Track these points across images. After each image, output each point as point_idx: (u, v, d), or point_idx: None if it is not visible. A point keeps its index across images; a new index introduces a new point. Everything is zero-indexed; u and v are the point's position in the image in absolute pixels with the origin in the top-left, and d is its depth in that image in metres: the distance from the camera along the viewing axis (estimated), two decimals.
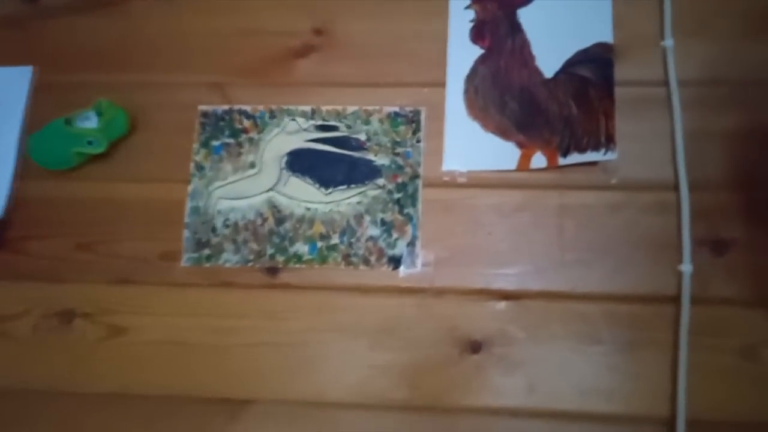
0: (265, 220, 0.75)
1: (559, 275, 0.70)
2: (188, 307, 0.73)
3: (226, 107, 0.79)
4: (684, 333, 0.66)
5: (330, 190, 0.75)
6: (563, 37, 0.77)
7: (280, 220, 0.74)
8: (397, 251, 0.72)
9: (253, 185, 0.76)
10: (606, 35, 0.77)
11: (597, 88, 0.75)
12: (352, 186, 0.75)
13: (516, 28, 0.78)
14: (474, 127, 0.76)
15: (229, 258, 0.74)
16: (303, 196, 0.75)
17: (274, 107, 0.78)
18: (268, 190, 0.75)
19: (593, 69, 0.76)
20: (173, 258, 0.74)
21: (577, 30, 0.77)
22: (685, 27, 0.76)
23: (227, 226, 0.75)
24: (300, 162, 0.76)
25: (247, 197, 0.75)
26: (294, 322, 0.72)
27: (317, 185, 0.75)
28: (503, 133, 0.75)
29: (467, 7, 0.80)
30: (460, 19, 0.80)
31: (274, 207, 0.75)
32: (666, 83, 0.74)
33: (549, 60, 0.77)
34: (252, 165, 0.77)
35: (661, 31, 0.76)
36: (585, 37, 0.77)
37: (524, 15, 0.79)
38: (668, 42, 0.75)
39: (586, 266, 0.70)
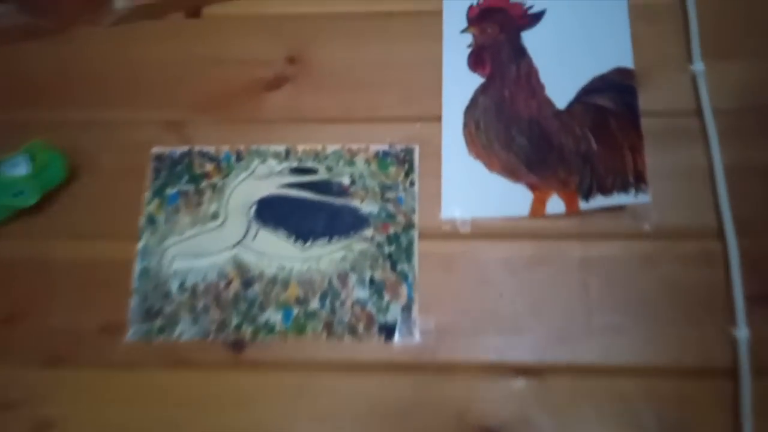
0: (229, 282, 0.63)
1: (587, 344, 0.59)
2: (134, 393, 0.60)
3: (184, 149, 0.68)
4: (747, 414, 0.54)
5: (308, 244, 0.64)
6: (576, 62, 0.68)
7: (247, 282, 0.63)
8: (390, 318, 0.61)
9: (215, 240, 0.64)
10: (625, 59, 0.67)
11: (619, 119, 0.65)
12: (335, 239, 0.64)
13: (520, 53, 0.69)
14: (477, 167, 0.65)
15: (185, 330, 0.62)
16: (275, 252, 0.63)
17: (241, 148, 0.67)
18: (233, 246, 0.64)
19: (613, 98, 0.66)
20: (117, 331, 0.62)
21: (591, 54, 0.68)
22: (715, 48, 0.66)
23: (184, 291, 0.63)
24: (272, 211, 0.65)
25: (208, 255, 0.64)
26: (265, 409, 0.59)
27: (292, 239, 0.64)
28: (511, 174, 0.65)
29: (464, 31, 0.70)
30: (456, 43, 0.70)
31: (240, 266, 0.63)
32: (698, 112, 0.65)
33: (561, 88, 0.67)
34: (214, 216, 0.65)
35: (688, 53, 0.67)
36: (601, 61, 0.67)
37: (529, 38, 0.69)
38: (698, 66, 0.66)
39: (618, 332, 0.59)
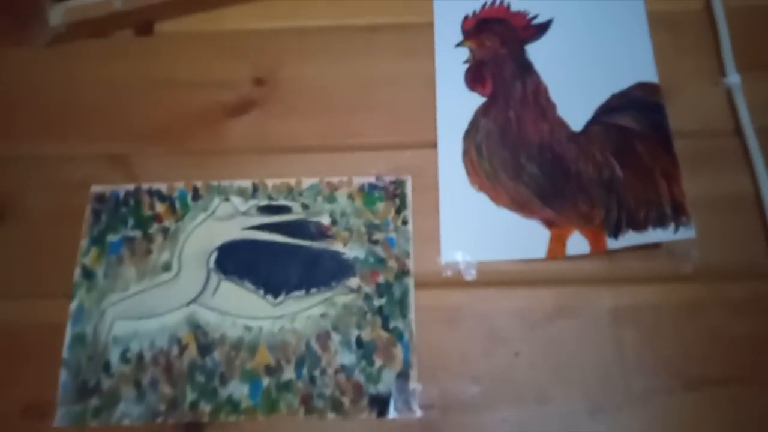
0: (183, 348, 0.52)
1: (626, 415, 0.48)
2: None
3: (130, 187, 0.57)
4: None
5: (280, 298, 0.53)
6: (590, 77, 0.59)
7: (205, 348, 0.52)
8: (382, 388, 0.50)
9: (166, 297, 0.53)
10: (648, 73, 0.59)
11: (646, 141, 0.56)
12: (313, 291, 0.53)
13: (526, 69, 0.60)
14: (481, 201, 0.56)
15: (128, 411, 0.50)
16: (240, 309, 0.53)
17: (198, 184, 0.57)
18: (188, 303, 0.53)
19: (637, 117, 0.57)
20: (43, 414, 0.50)
21: (608, 68, 0.59)
22: (750, 58, 0.58)
23: (126, 362, 0.51)
24: (236, 259, 0.54)
25: (157, 316, 0.53)
26: None
27: (261, 292, 0.53)
28: (522, 208, 0.55)
29: (459, 45, 0.62)
30: (451, 59, 0.61)
31: (197, 328, 0.52)
32: (738, 131, 0.56)
33: (575, 108, 0.58)
34: (166, 267, 0.54)
35: (720, 64, 0.59)
36: (620, 76, 0.59)
37: (535, 51, 0.61)
38: (732, 78, 0.57)
39: (662, 399, 0.49)
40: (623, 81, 0.59)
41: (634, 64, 0.59)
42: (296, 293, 0.53)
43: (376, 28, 0.63)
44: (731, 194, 0.54)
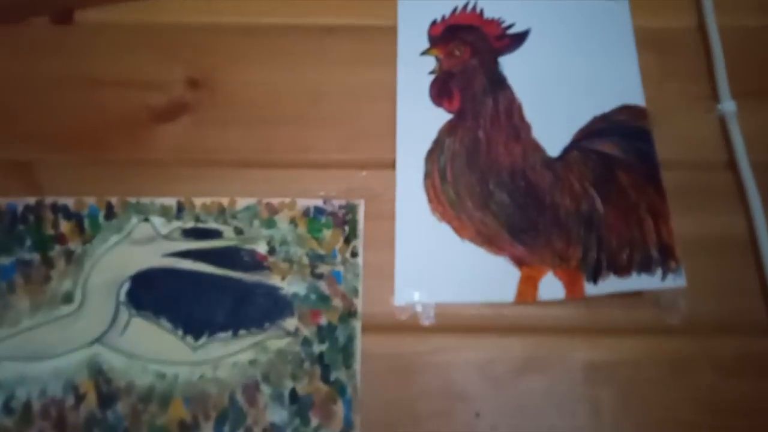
0: (81, 398, 0.44)
1: None
2: None
3: (30, 200, 0.49)
4: None
5: (202, 340, 0.46)
6: (570, 96, 0.54)
7: (108, 398, 0.44)
8: None
9: (65, 334, 0.45)
10: (634, 95, 0.54)
11: (631, 171, 0.50)
12: (242, 333, 0.46)
13: (498, 83, 0.54)
14: (443, 232, 0.49)
15: None
16: (153, 351, 0.45)
17: (113, 200, 0.50)
18: (91, 343, 0.45)
19: (621, 143, 0.52)
20: None
21: (590, 87, 0.54)
22: (745, 84, 0.54)
23: (9, 412, 0.44)
24: (152, 292, 0.47)
25: (51, 357, 0.45)
26: None
27: (180, 332, 0.46)
28: (489, 242, 0.49)
29: (424, 53, 0.56)
30: (415, 69, 0.55)
31: (99, 373, 0.45)
32: (732, 165, 0.51)
33: (552, 130, 0.52)
34: (67, 298, 0.47)
35: (713, 89, 0.54)
36: (603, 97, 0.54)
37: (509, 64, 0.55)
38: (727, 105, 0.53)
39: None
40: (606, 102, 0.53)
41: (619, 84, 0.54)
42: (221, 335, 0.46)
43: (332, 29, 0.57)
44: (724, 236, 0.49)
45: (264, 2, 0.57)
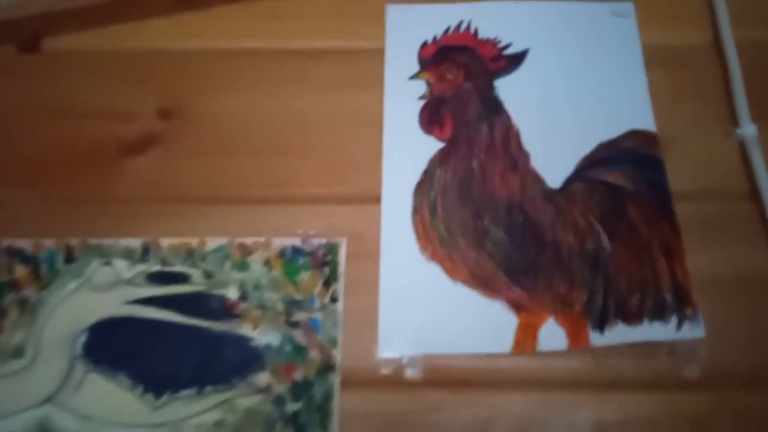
0: None
1: None
2: None
3: None
4: None
5: (163, 398, 0.42)
6: (573, 122, 0.49)
7: None
8: None
9: (13, 393, 0.41)
10: (643, 119, 0.49)
11: (642, 204, 0.46)
12: (208, 390, 0.42)
13: (494, 109, 0.50)
14: (433, 274, 0.45)
15: None
16: (109, 412, 0.41)
17: (73, 242, 0.46)
18: (42, 402, 0.41)
19: (630, 173, 0.47)
20: None
21: (594, 111, 0.50)
22: (764, 106, 0.49)
23: None
24: (111, 344, 0.43)
25: None
26: None
27: (139, 390, 0.42)
28: (484, 285, 0.45)
29: (414, 77, 0.52)
30: (404, 93, 0.51)
31: None
32: (753, 195, 0.47)
33: (553, 159, 0.48)
34: (18, 352, 0.43)
35: (732, 112, 0.50)
36: (609, 122, 0.49)
37: (506, 88, 0.51)
38: (747, 129, 0.48)
39: None
40: (613, 128, 0.49)
41: (627, 107, 0.50)
42: (185, 392, 0.42)
43: (315, 53, 0.53)
44: (747, 276, 0.44)
45: (242, 25, 0.54)
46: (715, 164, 0.48)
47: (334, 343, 0.43)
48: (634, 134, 0.49)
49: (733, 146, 0.48)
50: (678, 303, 0.42)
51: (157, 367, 0.42)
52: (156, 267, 0.46)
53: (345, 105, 0.51)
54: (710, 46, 0.52)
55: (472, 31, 0.53)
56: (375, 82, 0.52)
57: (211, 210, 0.47)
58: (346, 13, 0.54)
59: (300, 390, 0.42)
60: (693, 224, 0.45)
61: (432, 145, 0.49)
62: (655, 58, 0.52)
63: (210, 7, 0.54)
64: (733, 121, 0.49)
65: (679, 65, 0.52)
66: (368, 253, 0.46)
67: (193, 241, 0.46)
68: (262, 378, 0.42)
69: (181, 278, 0.45)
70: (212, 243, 0.46)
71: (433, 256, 0.46)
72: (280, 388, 0.42)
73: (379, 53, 0.53)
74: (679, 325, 0.42)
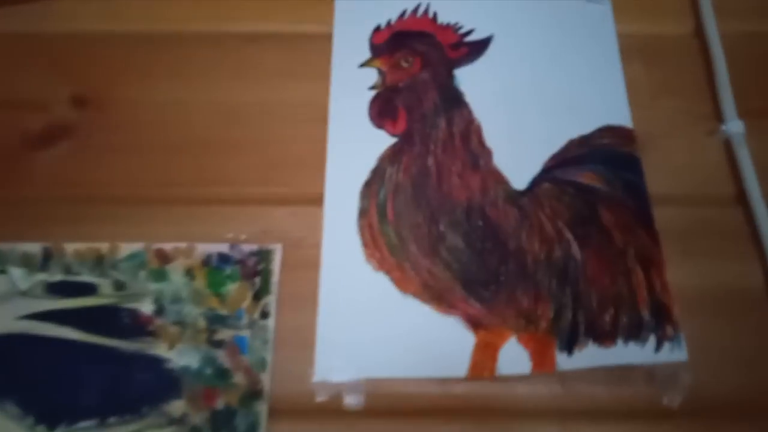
0: None
1: None
2: None
3: None
4: None
5: (58, 431, 0.36)
6: (540, 116, 0.45)
7: None
8: None
9: None
10: (618, 113, 0.45)
11: (616, 207, 0.41)
12: (111, 421, 0.36)
13: (453, 101, 0.45)
14: (380, 285, 0.40)
15: None
16: None
17: None
18: None
19: (603, 173, 0.43)
20: None
21: (564, 104, 0.45)
22: (754, 100, 0.45)
23: None
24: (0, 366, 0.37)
25: None
26: None
27: (30, 420, 0.36)
28: (438, 298, 0.39)
29: (365, 64, 0.47)
30: (352, 83, 0.46)
31: None
32: (740, 199, 0.42)
33: (518, 156, 0.43)
34: None
35: (716, 107, 0.45)
36: (580, 116, 0.45)
37: (467, 78, 0.46)
38: (733, 126, 0.44)
39: None
40: (585, 123, 0.44)
41: (601, 101, 0.45)
42: (85, 424, 0.36)
43: (255, 37, 0.48)
44: (734, 289, 0.39)
45: (172, 5, 0.48)
46: (698, 164, 0.43)
47: (262, 365, 0.37)
48: (608, 130, 0.44)
49: (717, 145, 0.44)
50: (656, 321, 0.37)
51: (53, 393, 0.36)
52: (58, 276, 0.40)
53: (286, 95, 0.45)
54: (692, 36, 0.48)
55: (430, 15, 0.48)
56: (320, 71, 0.46)
57: (126, 211, 0.42)
58: None
59: (221, 420, 0.36)
60: (673, 231, 0.40)
61: (383, 141, 0.44)
62: (632, 48, 0.47)
63: None
64: (718, 116, 0.45)
65: (658, 56, 0.47)
66: (307, 261, 0.40)
67: (103, 247, 0.40)
68: (177, 406, 0.36)
69: (87, 289, 0.39)
70: (125, 249, 0.40)
71: (381, 266, 0.40)
72: (198, 418, 0.36)
73: (325, 38, 0.47)
74: (658, 347, 0.37)
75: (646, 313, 0.37)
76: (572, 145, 0.44)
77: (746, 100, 0.44)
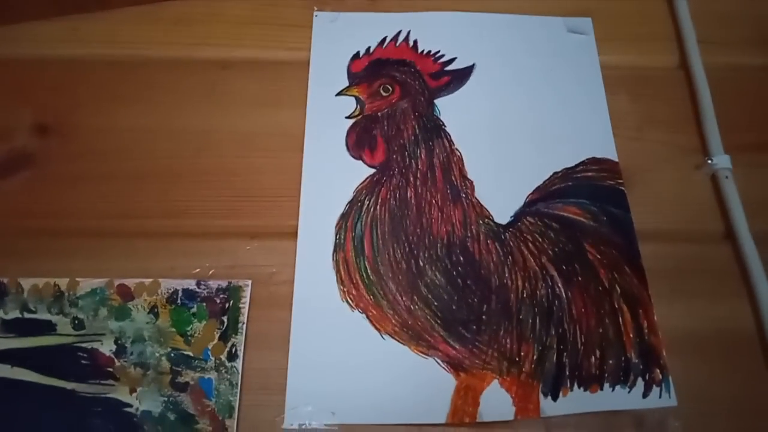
0: None
1: None
2: None
3: None
4: None
5: None
6: (523, 147, 0.44)
7: None
8: None
9: None
10: (603, 146, 0.44)
11: (602, 243, 0.40)
12: None
13: (434, 131, 0.44)
14: (356, 325, 0.38)
15: None
16: None
17: None
18: None
19: (588, 207, 0.42)
20: None
21: (548, 136, 0.45)
22: (741, 134, 0.45)
23: None
24: None
25: None
26: None
27: None
28: (417, 339, 0.38)
29: (342, 93, 0.46)
30: (329, 111, 0.45)
31: None
32: (729, 235, 0.41)
33: (500, 189, 0.42)
34: None
35: (702, 141, 0.45)
36: (565, 148, 0.44)
37: (448, 108, 0.45)
38: (720, 160, 0.43)
39: None
40: (569, 156, 0.44)
41: (585, 133, 0.45)
42: None
43: (229, 63, 0.47)
44: (724, 329, 0.38)
45: (142, 31, 0.47)
46: (685, 199, 0.43)
47: (229, 410, 0.36)
48: (593, 163, 0.44)
49: (704, 179, 0.43)
50: (644, 364, 0.36)
51: None
52: (14, 313, 0.38)
53: (259, 123, 0.44)
54: (677, 69, 0.48)
55: (410, 43, 0.47)
56: (296, 99, 0.45)
57: (87, 244, 0.40)
58: (266, 19, 0.48)
59: None
60: (660, 269, 0.40)
61: (360, 172, 0.43)
62: (617, 80, 0.47)
63: (104, 9, 0.48)
64: (704, 150, 0.44)
65: (644, 88, 0.47)
66: (278, 299, 0.39)
67: (62, 283, 0.39)
68: None
69: (44, 327, 0.38)
70: (86, 285, 0.39)
71: (357, 304, 0.39)
72: None
73: (302, 65, 0.47)
74: (646, 391, 0.36)
75: (633, 356, 0.36)
76: (556, 177, 0.43)
77: (733, 134, 0.44)
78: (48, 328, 0.38)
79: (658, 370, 0.36)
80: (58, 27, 0.47)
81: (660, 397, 0.35)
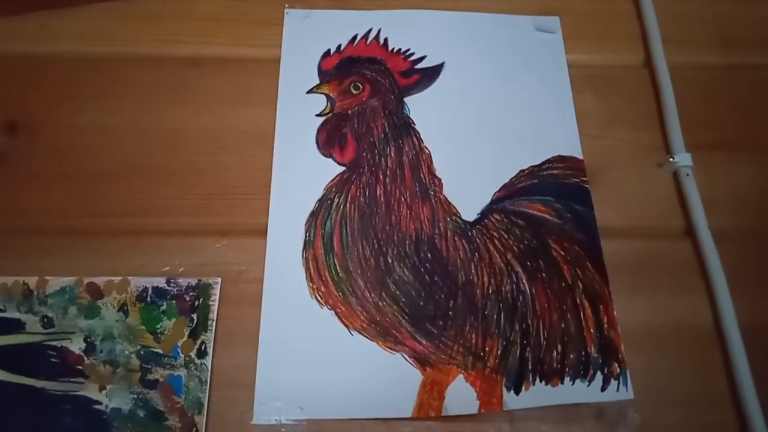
0: None
1: None
2: None
3: None
4: None
5: None
6: (491, 145, 0.45)
7: None
8: None
9: None
10: (569, 144, 0.45)
11: (566, 240, 0.42)
12: None
13: (403, 129, 0.45)
14: (324, 322, 0.39)
15: None
16: None
17: None
18: None
19: (553, 204, 0.43)
20: None
21: (515, 134, 0.45)
22: (702, 133, 0.46)
23: None
24: None
25: None
26: None
27: None
28: (385, 335, 0.39)
29: (312, 90, 0.47)
30: (299, 109, 0.45)
31: None
32: (689, 232, 0.43)
33: (468, 187, 0.43)
34: None
35: (665, 140, 0.46)
36: (531, 146, 0.45)
37: (418, 106, 0.46)
38: (682, 158, 0.44)
39: None
40: (536, 153, 0.45)
41: (551, 131, 0.46)
42: None
43: (199, 61, 0.47)
44: (682, 324, 0.40)
45: (111, 28, 0.47)
46: (647, 197, 0.44)
47: (198, 407, 0.36)
48: (558, 160, 0.45)
49: (666, 177, 0.45)
50: (603, 358, 0.37)
51: None
52: None
53: (229, 121, 0.45)
54: (641, 68, 0.49)
55: (381, 41, 0.48)
56: (266, 96, 0.46)
57: (56, 243, 0.40)
58: (237, 16, 0.49)
59: None
60: (622, 265, 0.41)
61: (330, 169, 0.44)
62: (583, 79, 0.48)
63: (73, 5, 0.48)
64: (667, 148, 0.45)
65: (609, 86, 0.48)
66: (247, 296, 0.40)
67: (32, 281, 0.39)
68: None
69: (13, 326, 0.38)
70: (55, 283, 0.39)
71: (326, 301, 0.40)
72: None
73: (272, 63, 0.47)
74: (605, 385, 0.37)
75: (593, 351, 0.38)
76: (522, 175, 0.44)
77: (694, 133, 0.45)
78: (17, 326, 0.38)
79: (616, 364, 0.37)
80: (27, 23, 0.47)
81: (617, 390, 0.37)
